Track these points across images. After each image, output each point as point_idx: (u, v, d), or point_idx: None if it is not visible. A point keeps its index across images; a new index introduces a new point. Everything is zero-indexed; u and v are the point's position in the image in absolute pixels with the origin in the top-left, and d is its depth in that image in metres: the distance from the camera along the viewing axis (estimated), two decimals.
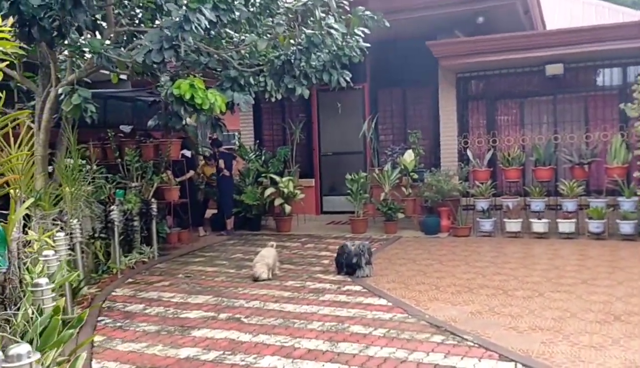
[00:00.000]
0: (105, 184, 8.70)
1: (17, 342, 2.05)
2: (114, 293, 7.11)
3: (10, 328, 2.87)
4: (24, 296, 3.10)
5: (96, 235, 8.11)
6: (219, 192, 12.01)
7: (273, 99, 8.50)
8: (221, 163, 11.57)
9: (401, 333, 5.13)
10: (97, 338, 5.35)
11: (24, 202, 3.29)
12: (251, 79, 7.97)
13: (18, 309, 3.06)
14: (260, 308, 6.18)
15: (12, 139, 3.35)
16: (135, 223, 9.07)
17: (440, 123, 11.83)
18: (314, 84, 8.35)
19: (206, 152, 12.74)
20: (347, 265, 7.50)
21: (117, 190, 8.94)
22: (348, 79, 8.51)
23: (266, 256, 7.63)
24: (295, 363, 4.56)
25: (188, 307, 6.40)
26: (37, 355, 2.03)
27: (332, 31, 7.70)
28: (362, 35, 8.37)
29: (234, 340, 5.15)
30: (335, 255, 7.91)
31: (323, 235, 11.07)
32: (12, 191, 3.26)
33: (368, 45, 8.51)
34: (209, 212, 12.82)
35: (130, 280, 7.87)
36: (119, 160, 9.74)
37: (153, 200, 9.45)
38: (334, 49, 8.14)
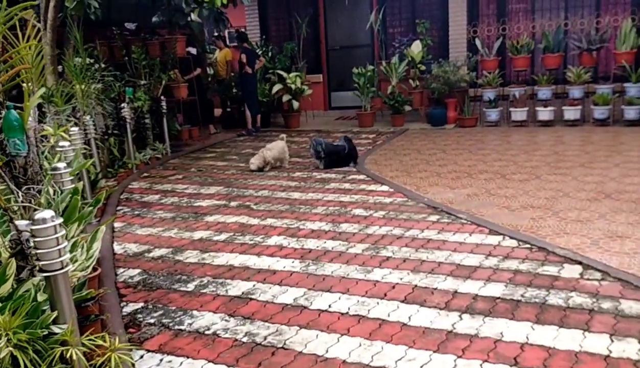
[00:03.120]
0: (114, 82, 8.84)
1: (42, 210, 2.32)
2: (130, 186, 7.50)
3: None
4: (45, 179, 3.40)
5: (110, 132, 8.37)
6: (241, 90, 11.76)
7: None
8: (243, 58, 11.10)
9: (399, 215, 5.45)
10: (117, 225, 5.76)
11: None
12: None
13: (40, 191, 3.33)
14: (268, 197, 6.53)
15: (20, 36, 3.49)
16: (147, 120, 9.30)
17: (449, 11, 11.58)
18: None
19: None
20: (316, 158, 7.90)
21: (127, 88, 9.08)
22: None
23: (270, 148, 7.90)
24: (300, 241, 4.92)
25: (201, 196, 6.77)
26: (60, 219, 2.31)
27: None
28: None
29: (244, 224, 5.52)
30: None
31: (331, 130, 11.26)
32: (23, 83, 3.42)
33: None
34: (218, 111, 12.98)
35: (145, 174, 8.24)
36: (126, 58, 9.82)
37: (162, 97, 9.61)
38: None
